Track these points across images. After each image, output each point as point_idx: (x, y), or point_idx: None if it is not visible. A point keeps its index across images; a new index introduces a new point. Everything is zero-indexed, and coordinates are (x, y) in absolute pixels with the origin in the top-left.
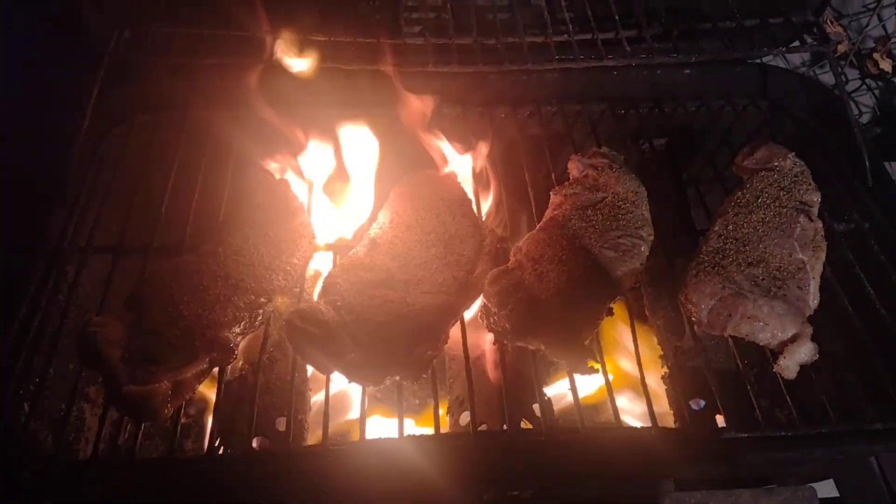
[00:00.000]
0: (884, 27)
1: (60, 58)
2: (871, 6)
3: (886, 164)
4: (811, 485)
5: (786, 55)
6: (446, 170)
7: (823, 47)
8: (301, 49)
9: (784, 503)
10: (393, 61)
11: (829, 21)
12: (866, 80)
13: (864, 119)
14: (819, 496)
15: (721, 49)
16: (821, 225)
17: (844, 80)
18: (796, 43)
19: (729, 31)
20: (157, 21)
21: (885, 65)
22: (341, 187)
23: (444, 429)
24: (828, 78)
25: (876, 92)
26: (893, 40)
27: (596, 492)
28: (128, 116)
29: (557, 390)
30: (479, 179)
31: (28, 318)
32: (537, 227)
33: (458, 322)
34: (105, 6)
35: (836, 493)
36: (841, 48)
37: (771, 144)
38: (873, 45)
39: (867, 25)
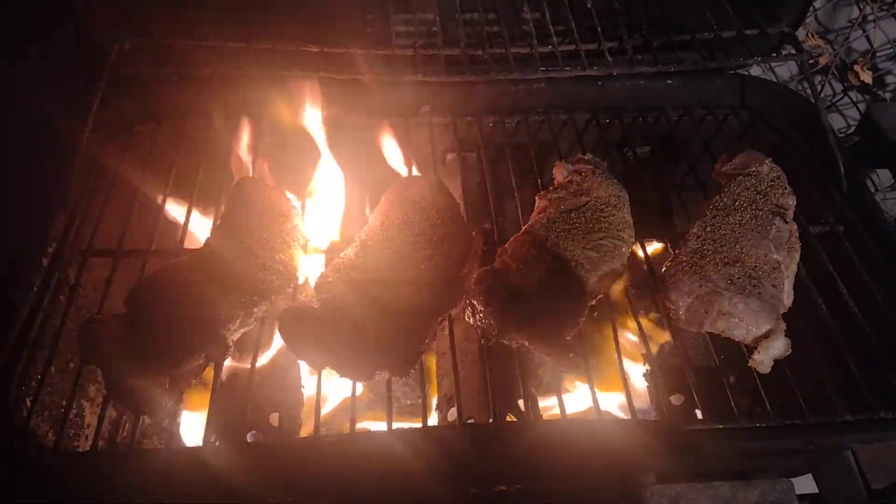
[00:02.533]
0: (867, 38)
1: (64, 69)
2: (857, 20)
3: (872, 171)
4: (789, 479)
5: (774, 69)
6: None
7: (798, 57)
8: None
9: (762, 496)
10: (385, 71)
11: (809, 34)
12: (848, 93)
13: (852, 130)
14: (800, 492)
15: (699, 59)
16: (795, 227)
17: (832, 91)
18: (774, 54)
19: (707, 43)
20: (157, 33)
21: (866, 76)
22: (333, 192)
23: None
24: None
25: (861, 106)
26: (874, 53)
27: (579, 486)
28: (128, 125)
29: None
30: None
31: (30, 318)
32: (523, 230)
33: (447, 320)
34: (106, 19)
35: (815, 490)
36: (822, 60)
37: (749, 151)
38: (856, 57)
39: (847, 38)
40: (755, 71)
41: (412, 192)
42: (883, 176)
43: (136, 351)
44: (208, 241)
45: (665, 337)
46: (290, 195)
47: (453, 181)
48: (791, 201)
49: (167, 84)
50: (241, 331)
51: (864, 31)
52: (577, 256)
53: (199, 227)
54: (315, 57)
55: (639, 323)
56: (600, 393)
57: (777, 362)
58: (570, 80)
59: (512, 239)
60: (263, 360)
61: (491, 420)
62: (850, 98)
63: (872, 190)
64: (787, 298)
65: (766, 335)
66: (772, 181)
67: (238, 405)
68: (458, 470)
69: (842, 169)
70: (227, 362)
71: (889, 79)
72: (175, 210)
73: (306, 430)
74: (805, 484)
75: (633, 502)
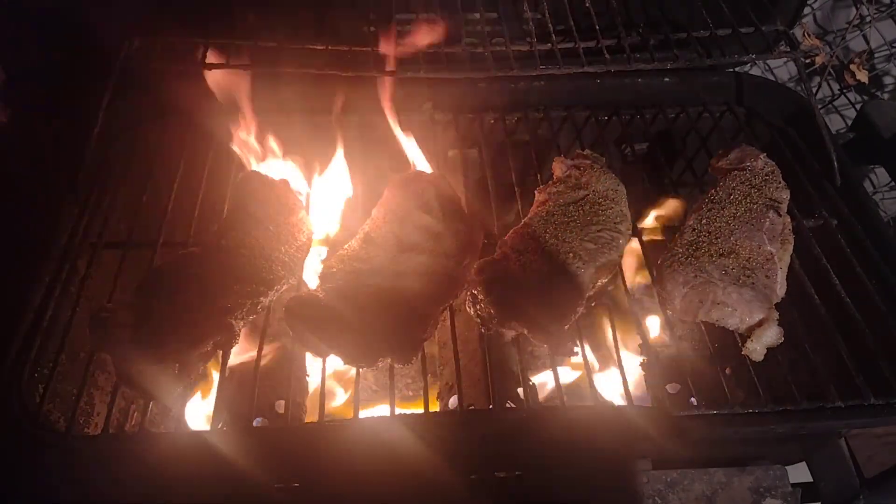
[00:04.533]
0: (865, 38)
1: (74, 66)
2: (853, 22)
3: (869, 169)
4: (783, 466)
5: (773, 71)
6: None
7: (792, 55)
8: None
9: (756, 481)
10: (386, 68)
11: (806, 35)
12: (846, 93)
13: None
14: (796, 481)
15: (695, 57)
16: (789, 220)
17: (829, 92)
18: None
19: (703, 41)
20: (166, 31)
21: (862, 76)
22: (338, 186)
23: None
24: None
25: (859, 106)
26: (868, 53)
27: (577, 472)
28: (137, 121)
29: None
30: None
31: (42, 308)
32: (522, 222)
33: (448, 310)
34: (116, 18)
35: (809, 478)
36: (819, 60)
37: (744, 146)
38: (852, 57)
39: (843, 38)
40: (755, 72)
41: (415, 185)
42: (881, 175)
43: (145, 338)
44: (216, 233)
45: (661, 327)
46: (295, 188)
47: (455, 176)
48: (785, 195)
49: (176, 81)
50: (248, 319)
51: (861, 31)
52: (575, 248)
53: (207, 220)
54: (319, 55)
55: (635, 313)
56: (597, 381)
57: (770, 351)
58: (569, 78)
59: (512, 231)
60: (269, 348)
61: (490, 407)
62: (848, 98)
63: (871, 189)
64: (780, 289)
65: (759, 324)
66: (766, 175)
67: (245, 392)
68: (458, 455)
69: (835, 164)
70: (234, 350)
71: (886, 79)
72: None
73: (311, 417)
74: (799, 472)
75: (631, 487)
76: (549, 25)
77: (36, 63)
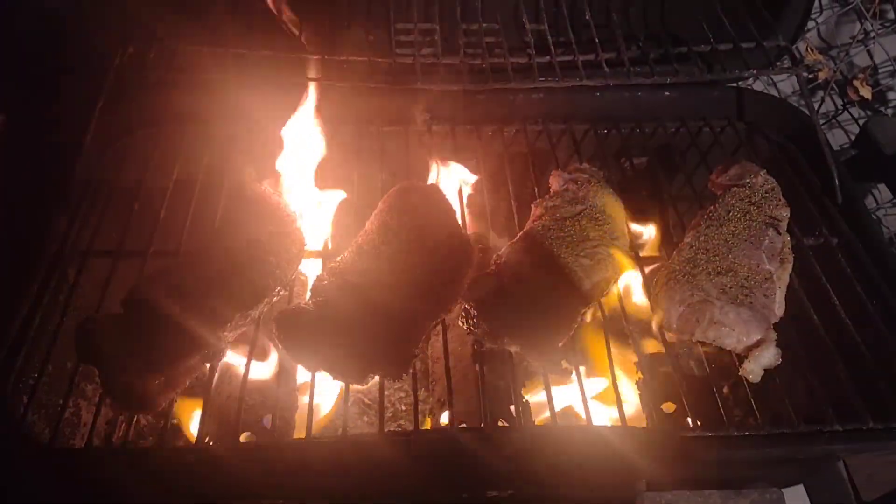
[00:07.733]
0: (869, 54)
1: (67, 73)
2: (857, 37)
3: (871, 185)
4: (780, 489)
5: (777, 85)
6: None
7: (793, 70)
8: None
9: None
10: (385, 79)
11: (809, 49)
12: (849, 108)
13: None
14: (791, 503)
15: (695, 71)
16: (788, 238)
17: (833, 107)
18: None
19: (704, 56)
20: (160, 38)
21: (865, 91)
22: (331, 197)
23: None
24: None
25: (862, 122)
26: (872, 68)
27: (570, 492)
28: (130, 129)
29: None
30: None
31: (30, 317)
32: (518, 237)
33: (440, 325)
34: (109, 24)
35: (807, 500)
36: (822, 75)
37: (744, 162)
38: (855, 72)
39: (847, 54)
40: (758, 87)
41: (409, 197)
42: (884, 191)
43: (131, 350)
44: (205, 244)
45: (657, 345)
46: (288, 199)
47: (451, 188)
48: (784, 213)
49: (169, 89)
50: (237, 332)
51: (865, 46)
52: (570, 264)
53: (199, 230)
54: (316, 64)
55: (630, 331)
56: (591, 400)
57: (768, 372)
58: (568, 91)
59: (507, 245)
60: (257, 361)
61: (482, 425)
62: (851, 114)
63: (873, 205)
64: (779, 309)
65: (757, 344)
66: (766, 192)
67: (231, 406)
68: (449, 474)
69: (836, 181)
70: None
71: (890, 95)
72: None
73: (299, 433)
74: (797, 495)
75: None
76: (549, 38)
77: (29, 70)
